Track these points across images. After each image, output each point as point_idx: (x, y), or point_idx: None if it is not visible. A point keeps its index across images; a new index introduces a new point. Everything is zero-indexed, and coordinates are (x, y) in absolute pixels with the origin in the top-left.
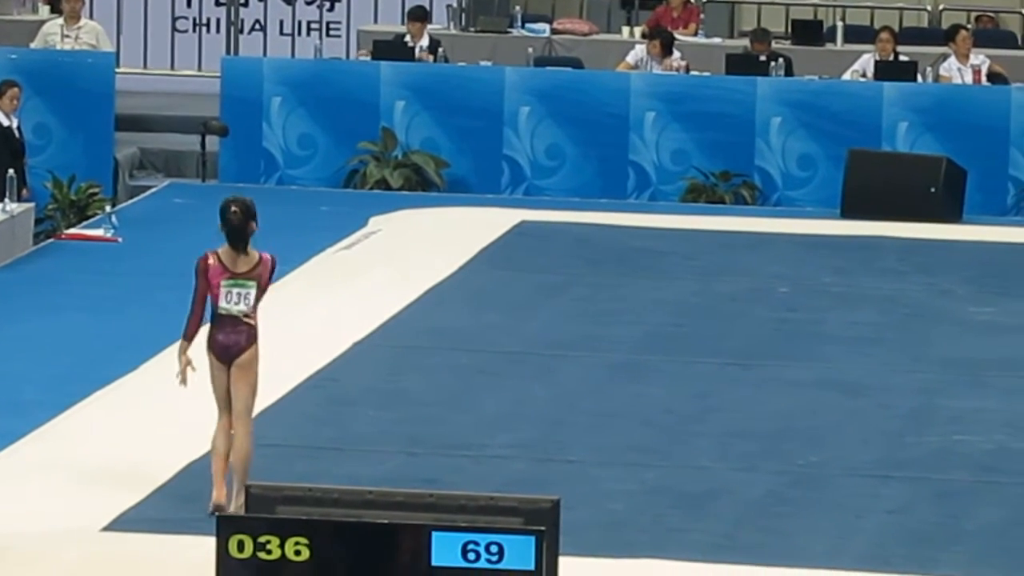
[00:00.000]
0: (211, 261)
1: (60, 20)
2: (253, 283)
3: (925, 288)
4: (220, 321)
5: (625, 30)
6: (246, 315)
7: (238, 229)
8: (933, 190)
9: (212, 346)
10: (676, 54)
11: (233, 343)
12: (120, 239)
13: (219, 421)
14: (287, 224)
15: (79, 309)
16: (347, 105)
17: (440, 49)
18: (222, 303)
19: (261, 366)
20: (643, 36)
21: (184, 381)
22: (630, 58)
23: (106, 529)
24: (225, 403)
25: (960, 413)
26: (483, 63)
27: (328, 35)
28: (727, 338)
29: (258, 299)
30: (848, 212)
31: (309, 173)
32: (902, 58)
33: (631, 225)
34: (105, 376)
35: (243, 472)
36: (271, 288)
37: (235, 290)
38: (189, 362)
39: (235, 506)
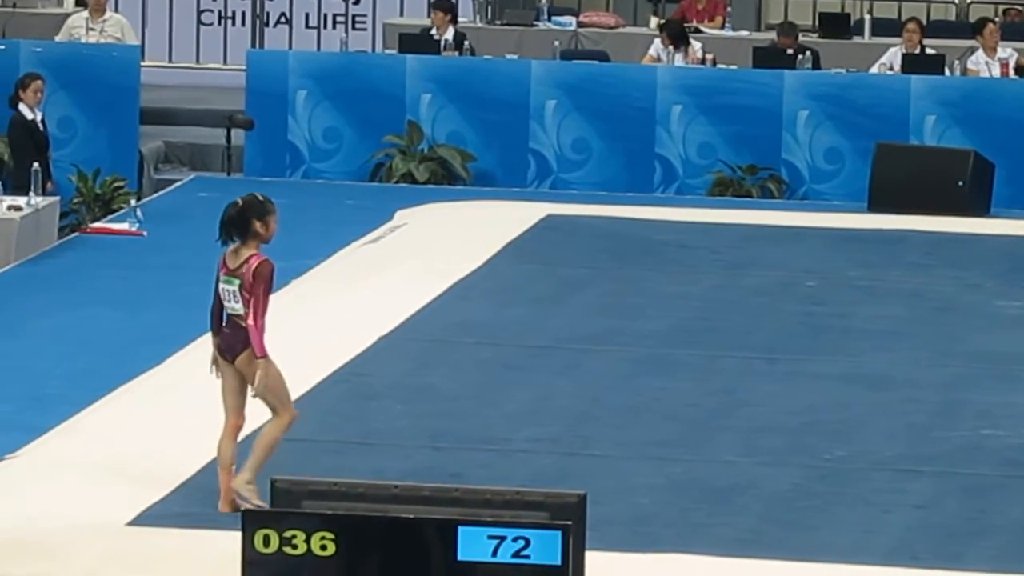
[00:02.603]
0: (223, 257)
1: (85, 13)
2: (237, 281)
3: (952, 282)
4: (227, 318)
5: (652, 22)
6: (240, 316)
7: (222, 222)
8: (961, 184)
9: (217, 343)
10: (696, 45)
11: (228, 345)
12: (145, 233)
13: (224, 424)
14: (313, 218)
15: (104, 303)
16: (373, 98)
17: (466, 42)
18: (221, 298)
19: (282, 368)
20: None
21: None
22: (652, 51)
23: (131, 524)
24: (228, 404)
25: (988, 407)
26: (509, 56)
27: (354, 28)
28: (753, 332)
29: (248, 302)
30: (875, 206)
31: (335, 167)
32: (929, 51)
33: (657, 219)
34: (130, 370)
35: (260, 453)
36: (295, 285)
37: (226, 287)
38: (214, 358)
39: (239, 481)
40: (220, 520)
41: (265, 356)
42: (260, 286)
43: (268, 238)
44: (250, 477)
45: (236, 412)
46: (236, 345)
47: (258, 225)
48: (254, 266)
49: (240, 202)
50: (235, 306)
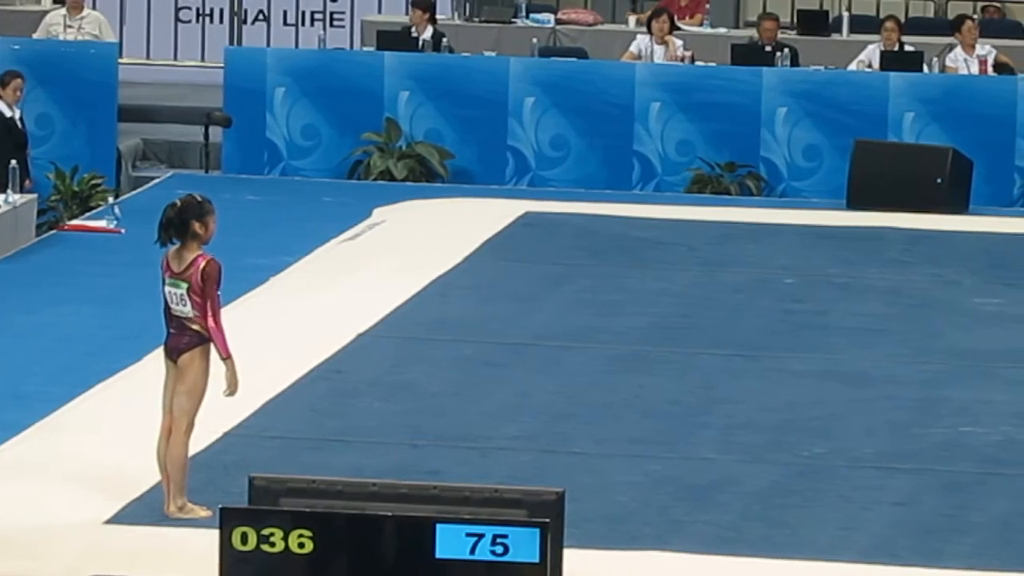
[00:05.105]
0: (165, 259)
1: (63, 10)
2: (184, 285)
3: (931, 279)
4: (171, 320)
5: (631, 20)
6: (188, 319)
7: (161, 224)
8: (939, 181)
9: (164, 344)
10: (678, 42)
11: (174, 345)
12: (123, 230)
13: (161, 425)
14: (291, 215)
15: (82, 301)
16: (351, 96)
17: (444, 40)
18: (168, 301)
19: (261, 365)
20: (647, 20)
21: None
22: (633, 48)
23: (109, 522)
24: (167, 404)
25: (966, 404)
26: (487, 53)
27: (332, 25)
28: (732, 329)
29: (199, 305)
30: (854, 203)
31: (313, 164)
32: (907, 48)
33: (636, 216)
34: (108, 368)
35: (175, 475)
36: (274, 282)
37: (172, 290)
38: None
39: (172, 509)
40: (198, 518)
41: (231, 357)
42: (212, 288)
43: (208, 238)
44: (181, 502)
45: (171, 412)
46: (181, 346)
47: (197, 226)
48: (201, 267)
49: (178, 203)
50: (183, 309)
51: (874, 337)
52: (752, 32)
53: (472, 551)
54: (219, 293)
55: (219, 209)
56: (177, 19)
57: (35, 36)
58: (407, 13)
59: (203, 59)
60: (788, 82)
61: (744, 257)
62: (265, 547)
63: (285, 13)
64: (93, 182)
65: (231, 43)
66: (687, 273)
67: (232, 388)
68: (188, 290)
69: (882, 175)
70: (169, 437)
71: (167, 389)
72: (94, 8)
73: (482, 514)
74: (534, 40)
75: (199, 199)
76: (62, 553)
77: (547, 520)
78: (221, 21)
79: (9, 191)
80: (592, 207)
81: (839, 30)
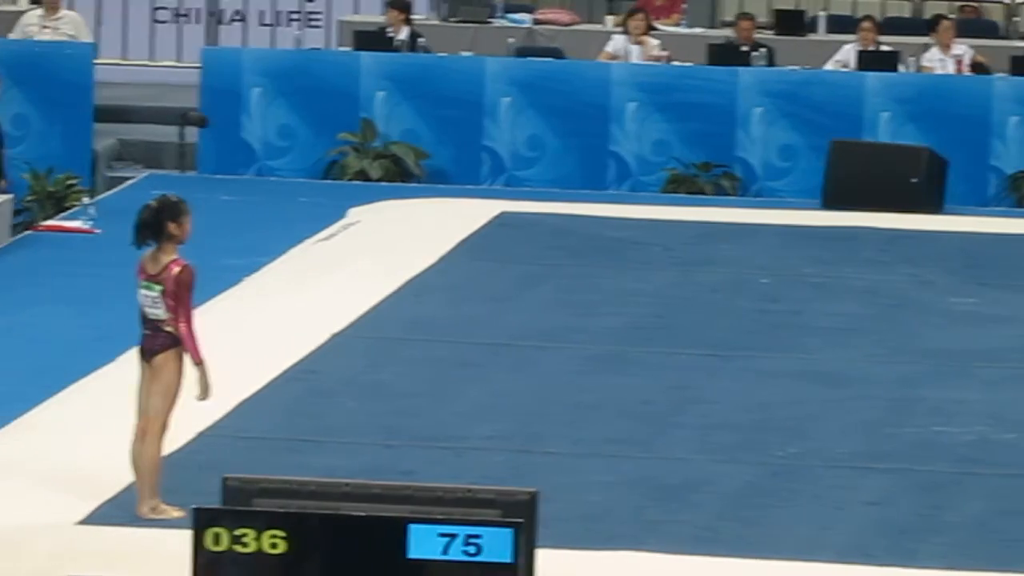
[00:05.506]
0: (141, 261)
1: (39, 11)
2: (159, 288)
3: (906, 279)
4: (144, 322)
5: (608, 20)
6: (161, 321)
7: (136, 225)
8: (915, 180)
9: (139, 345)
10: (654, 42)
11: (148, 346)
12: (98, 230)
13: (135, 424)
14: (266, 215)
15: (57, 301)
16: (327, 96)
17: (420, 40)
18: (142, 304)
19: (235, 365)
20: (623, 20)
21: None
22: (609, 47)
23: (82, 523)
24: (140, 406)
25: (941, 404)
26: (464, 53)
27: (308, 26)
28: (707, 329)
29: (173, 308)
30: (829, 203)
31: (288, 164)
32: (884, 48)
33: (611, 216)
34: (83, 368)
35: (148, 476)
36: (248, 282)
37: (146, 292)
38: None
39: (144, 510)
40: (171, 518)
41: (203, 361)
42: (185, 293)
43: (183, 239)
44: (154, 503)
45: (145, 413)
46: (155, 347)
47: (172, 227)
48: (175, 273)
49: (153, 204)
50: (156, 311)
51: (849, 337)
52: (729, 32)
53: (445, 551)
54: (192, 298)
55: (194, 209)
56: (153, 19)
57: (11, 36)
58: (383, 13)
59: (179, 59)
60: (764, 82)
61: (720, 257)
62: (238, 548)
63: (262, 13)
64: (68, 182)
65: (207, 43)
66: (663, 273)
67: (204, 393)
68: (162, 293)
69: (858, 175)
70: (143, 438)
71: (141, 390)
72: (71, 8)
73: (455, 514)
74: (510, 40)
75: (174, 199)
76: (35, 553)
77: (520, 520)
78: (197, 21)
79: None
80: (568, 207)
81: (816, 30)
